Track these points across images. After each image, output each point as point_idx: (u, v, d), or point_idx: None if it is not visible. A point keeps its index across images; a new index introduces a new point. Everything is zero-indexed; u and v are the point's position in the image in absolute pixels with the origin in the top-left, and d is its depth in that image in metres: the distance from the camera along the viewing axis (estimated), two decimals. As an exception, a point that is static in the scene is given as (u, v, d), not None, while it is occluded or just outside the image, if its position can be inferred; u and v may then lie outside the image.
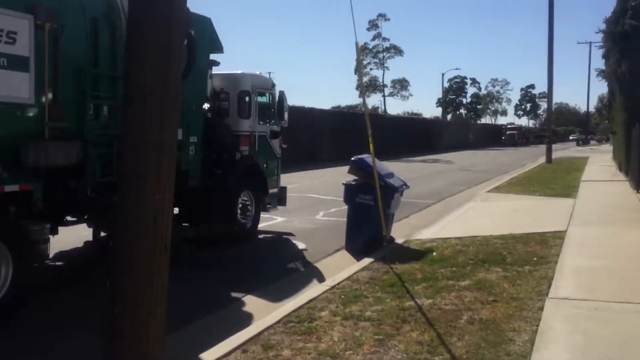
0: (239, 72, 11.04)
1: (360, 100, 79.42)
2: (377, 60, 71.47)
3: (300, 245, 10.09)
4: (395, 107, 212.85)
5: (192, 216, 9.74)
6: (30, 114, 6.66)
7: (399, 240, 9.58)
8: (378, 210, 8.50)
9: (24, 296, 6.12)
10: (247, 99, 10.71)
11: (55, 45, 6.74)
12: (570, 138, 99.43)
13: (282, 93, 11.61)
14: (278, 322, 5.53)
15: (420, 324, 5.37)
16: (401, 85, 76.46)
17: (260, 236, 10.90)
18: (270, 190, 11.12)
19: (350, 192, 9.39)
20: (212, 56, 9.86)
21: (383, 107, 74.46)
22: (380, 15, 70.71)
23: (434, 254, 8.42)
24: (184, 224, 9.79)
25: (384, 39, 70.98)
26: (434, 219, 12.36)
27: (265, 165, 10.97)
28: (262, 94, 11.12)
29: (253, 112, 10.77)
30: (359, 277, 7.18)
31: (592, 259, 7.87)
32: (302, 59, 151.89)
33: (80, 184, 7.25)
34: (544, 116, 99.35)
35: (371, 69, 72.14)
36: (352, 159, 9.48)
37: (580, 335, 5.00)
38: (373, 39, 71.11)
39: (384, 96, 73.10)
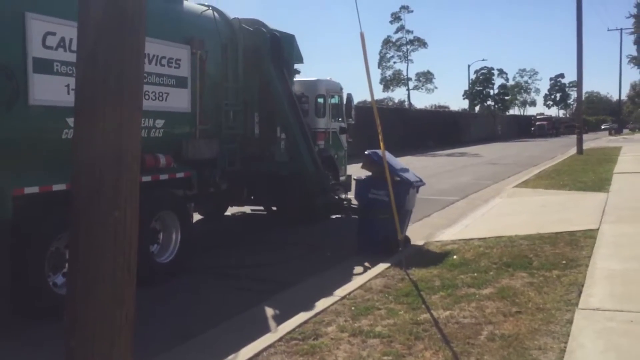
0: (315, 78, 12.90)
1: (386, 94, 78.83)
2: (400, 54, 70.33)
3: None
4: (422, 100, 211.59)
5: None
6: (188, 120, 8.56)
7: (419, 243, 9.06)
8: (392, 207, 8.03)
9: (185, 258, 8.05)
10: (322, 101, 12.64)
11: (202, 67, 8.66)
12: (602, 127, 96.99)
13: (349, 95, 13.57)
14: (280, 339, 5.11)
15: (435, 341, 4.88)
16: (426, 78, 74.87)
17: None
18: (340, 178, 12.84)
19: (363, 188, 8.96)
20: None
21: (408, 101, 73.23)
22: (403, 7, 69.30)
23: (455, 257, 7.89)
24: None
25: (408, 32, 69.81)
26: (457, 217, 11.80)
27: (336, 156, 12.81)
28: (333, 96, 13.04)
29: (327, 112, 12.71)
30: (372, 285, 6.71)
31: (627, 261, 7.24)
32: (327, 54, 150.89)
33: (213, 172, 9.03)
34: (574, 106, 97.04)
35: (395, 63, 70.97)
36: (366, 152, 9.10)
37: (613, 354, 4.45)
38: (396, 32, 69.97)
39: (408, 90, 71.86)
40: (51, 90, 6.26)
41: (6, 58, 5.88)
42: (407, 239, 8.95)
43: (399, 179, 8.58)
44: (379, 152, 8.96)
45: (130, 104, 2.98)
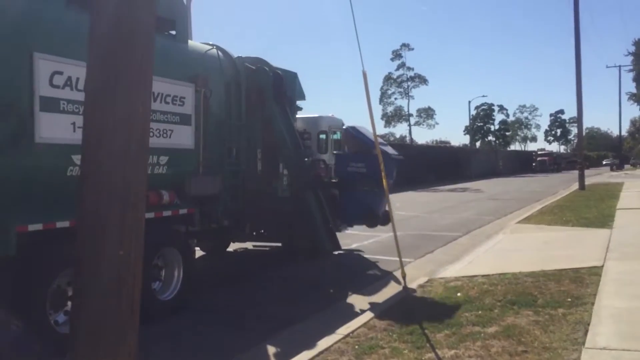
0: (317, 115, 13.05)
1: (388, 130, 79.37)
2: (401, 90, 71.09)
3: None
4: (423, 136, 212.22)
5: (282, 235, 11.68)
6: (192, 157, 8.56)
7: (422, 280, 9.00)
8: (372, 179, 8.17)
9: (187, 295, 7.99)
10: (324, 137, 12.84)
11: (206, 104, 8.72)
12: (604, 163, 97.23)
13: None
14: (283, 379, 5.03)
15: (441, 381, 4.80)
16: (427, 114, 75.57)
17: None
18: None
19: (342, 161, 9.13)
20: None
21: (409, 136, 73.64)
22: (403, 45, 70.38)
23: (459, 294, 7.82)
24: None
25: (408, 69, 70.67)
26: (460, 254, 11.73)
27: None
28: (335, 133, 13.12)
29: (329, 148, 12.80)
30: (375, 323, 6.64)
31: (633, 299, 7.17)
32: (329, 90, 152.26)
33: (215, 208, 9.10)
34: (574, 141, 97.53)
35: (396, 99, 71.70)
36: (344, 127, 9.39)
37: (623, 395, 4.37)
38: (397, 69, 70.86)
39: (409, 125, 72.43)
40: (57, 128, 6.33)
41: (14, 96, 5.96)
42: (387, 214, 9.03)
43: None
44: (357, 127, 9.30)
45: (136, 142, 3.01)
